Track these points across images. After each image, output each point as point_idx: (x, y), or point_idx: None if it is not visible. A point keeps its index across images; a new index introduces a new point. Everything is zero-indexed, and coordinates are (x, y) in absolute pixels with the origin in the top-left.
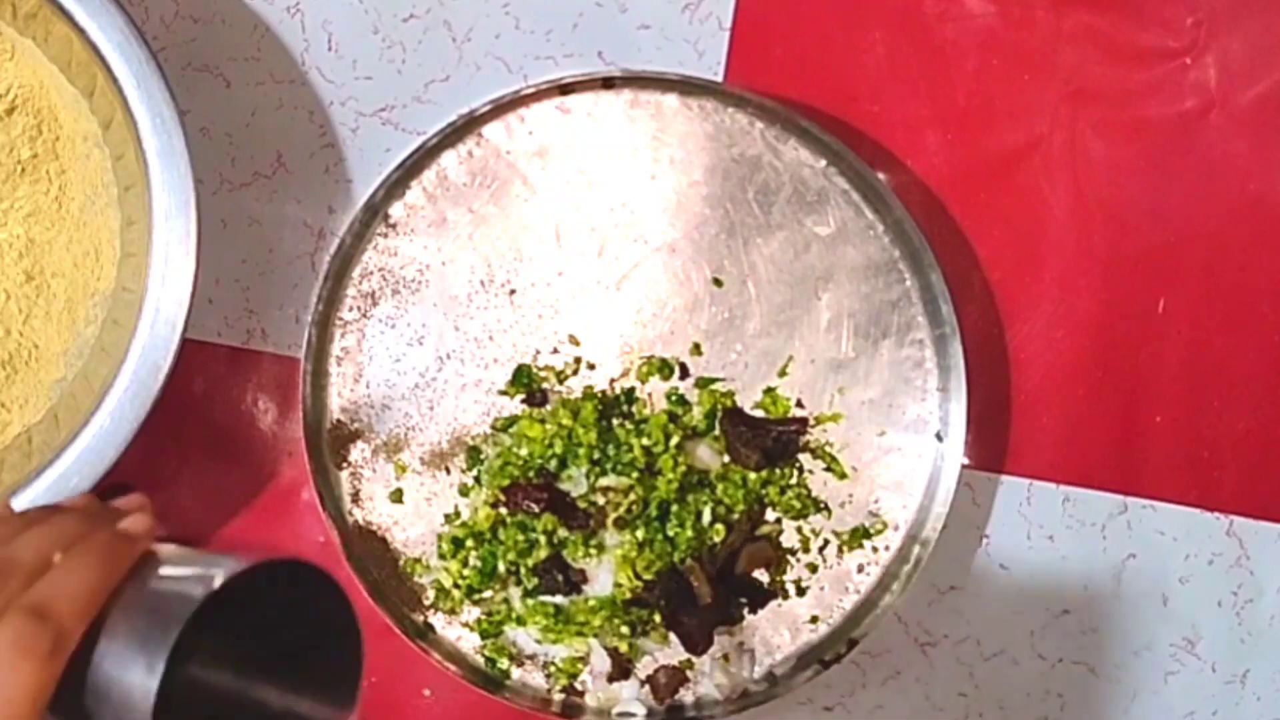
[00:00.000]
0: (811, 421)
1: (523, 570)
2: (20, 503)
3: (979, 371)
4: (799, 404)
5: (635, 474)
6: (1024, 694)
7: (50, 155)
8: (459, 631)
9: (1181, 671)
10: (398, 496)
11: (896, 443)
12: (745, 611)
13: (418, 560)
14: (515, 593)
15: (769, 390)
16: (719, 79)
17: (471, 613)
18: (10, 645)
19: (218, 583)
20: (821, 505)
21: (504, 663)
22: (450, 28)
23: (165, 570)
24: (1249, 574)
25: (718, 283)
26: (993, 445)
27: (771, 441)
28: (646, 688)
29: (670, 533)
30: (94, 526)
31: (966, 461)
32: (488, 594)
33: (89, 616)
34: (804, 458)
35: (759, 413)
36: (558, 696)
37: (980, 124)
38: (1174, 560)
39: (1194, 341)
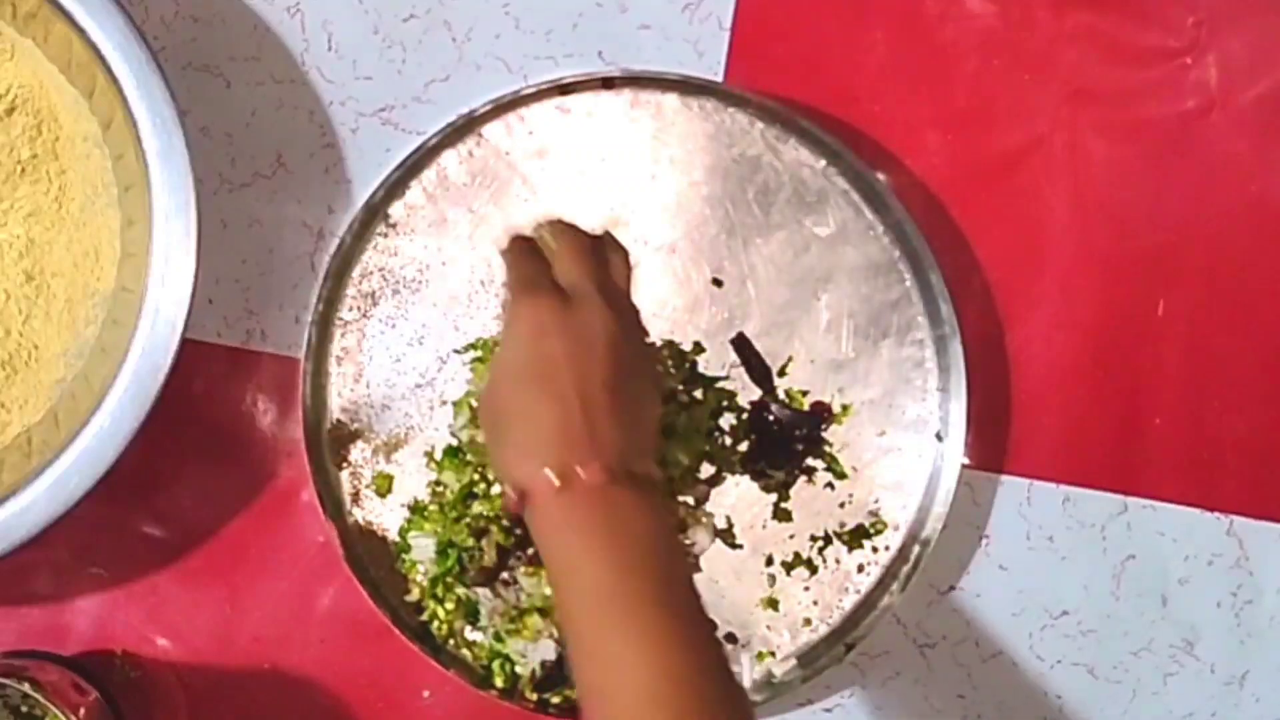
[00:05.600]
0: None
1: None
2: (20, 502)
3: (979, 371)
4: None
5: None
6: (1023, 695)
7: (50, 155)
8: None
9: (1181, 672)
10: None
11: (896, 443)
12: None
13: (418, 560)
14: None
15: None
16: (719, 79)
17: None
18: None
19: None
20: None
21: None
22: (450, 28)
23: None
24: (1249, 574)
25: (717, 283)
26: (993, 445)
27: (801, 434)
28: None
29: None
30: None
31: (966, 461)
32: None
33: None
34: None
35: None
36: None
37: (980, 124)
38: (1174, 561)
39: (1194, 341)
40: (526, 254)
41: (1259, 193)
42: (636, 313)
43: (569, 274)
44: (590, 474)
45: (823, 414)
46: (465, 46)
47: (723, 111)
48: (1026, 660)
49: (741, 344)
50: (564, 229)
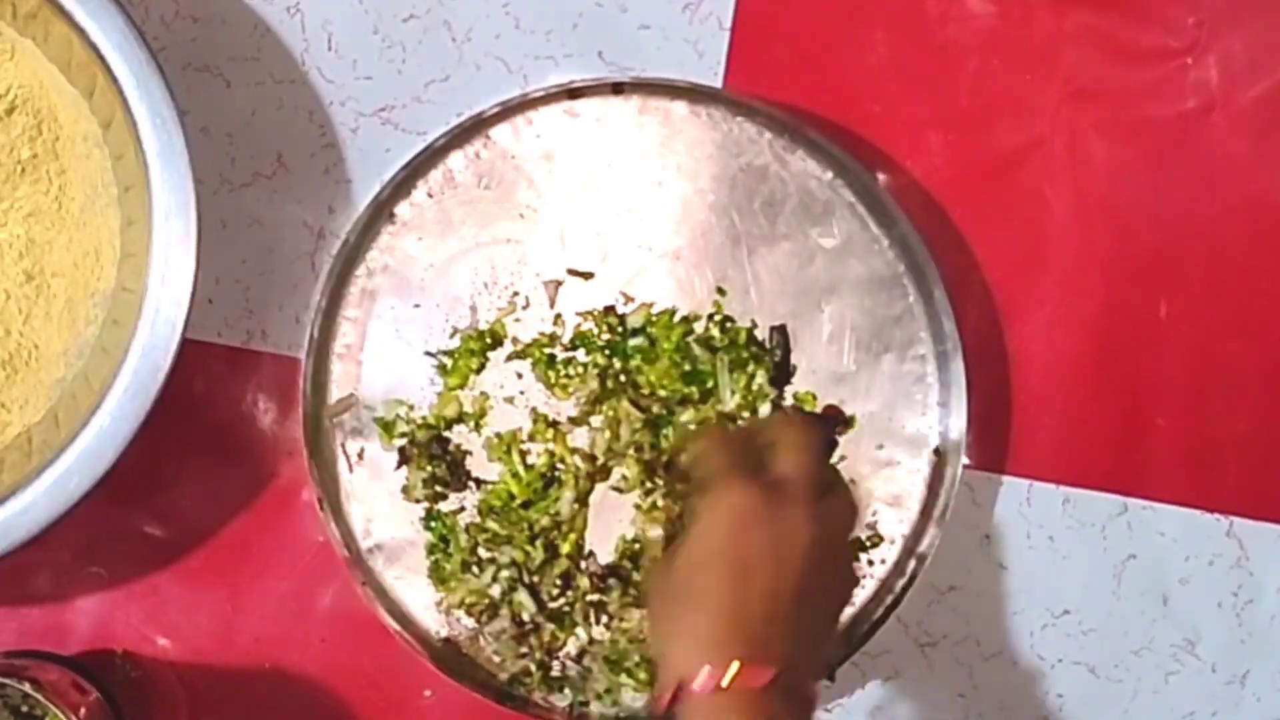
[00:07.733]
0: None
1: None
2: (20, 502)
3: (979, 372)
4: None
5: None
6: (1024, 694)
7: (50, 155)
8: (459, 632)
9: (1181, 672)
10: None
11: (895, 457)
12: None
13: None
14: None
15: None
16: (719, 79)
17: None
18: None
19: None
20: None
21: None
22: (450, 28)
23: None
24: (1249, 575)
25: (721, 291)
26: (993, 445)
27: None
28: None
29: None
30: None
31: (967, 462)
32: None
33: None
34: None
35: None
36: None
37: (981, 124)
38: (1174, 561)
39: (1195, 342)
40: (731, 439)
41: (1259, 193)
42: (854, 512)
43: (788, 467)
44: (752, 679)
45: (838, 418)
46: (465, 46)
47: (731, 120)
48: (1027, 659)
49: (779, 336)
50: (793, 420)
